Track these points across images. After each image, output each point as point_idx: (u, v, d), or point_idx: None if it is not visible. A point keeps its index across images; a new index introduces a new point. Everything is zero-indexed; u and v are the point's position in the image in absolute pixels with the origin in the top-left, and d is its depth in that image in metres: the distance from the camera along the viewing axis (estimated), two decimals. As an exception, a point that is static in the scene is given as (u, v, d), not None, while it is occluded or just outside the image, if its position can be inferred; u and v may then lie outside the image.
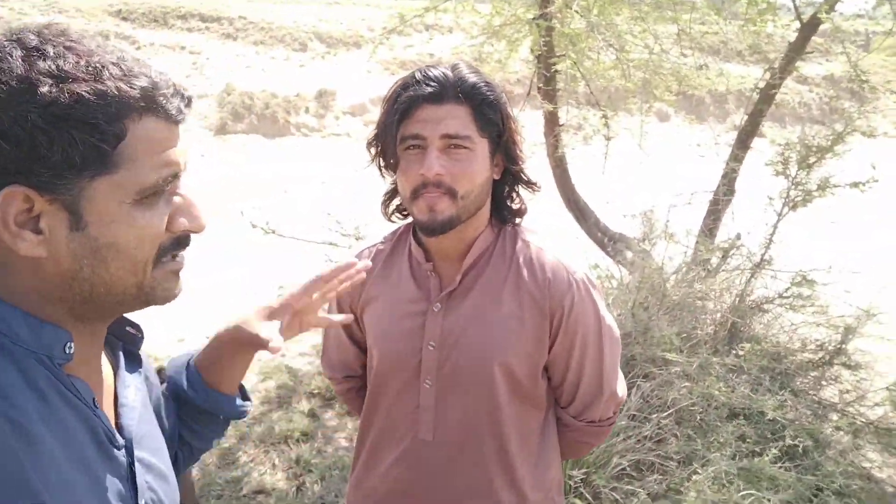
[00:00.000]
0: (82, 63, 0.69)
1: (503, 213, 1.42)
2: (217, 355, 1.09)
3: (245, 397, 1.17)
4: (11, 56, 0.67)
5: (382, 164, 1.36)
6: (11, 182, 0.67)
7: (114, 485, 0.78)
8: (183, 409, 1.11)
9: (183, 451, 1.14)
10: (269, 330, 1.05)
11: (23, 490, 0.66)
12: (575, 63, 4.00)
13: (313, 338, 4.79)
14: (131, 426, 0.84)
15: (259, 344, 1.04)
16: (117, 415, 0.85)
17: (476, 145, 1.27)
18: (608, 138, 4.16)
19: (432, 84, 1.25)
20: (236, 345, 1.07)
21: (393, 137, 1.28)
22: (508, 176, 1.39)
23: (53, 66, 0.67)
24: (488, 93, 1.28)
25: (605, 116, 4.16)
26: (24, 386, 0.71)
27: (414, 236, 1.43)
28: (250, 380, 4.27)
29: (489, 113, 1.28)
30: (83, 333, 0.79)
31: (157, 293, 0.80)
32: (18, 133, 0.66)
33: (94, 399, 0.78)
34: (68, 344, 0.76)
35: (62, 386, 0.75)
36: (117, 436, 0.81)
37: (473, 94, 1.27)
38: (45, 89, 0.66)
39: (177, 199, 0.79)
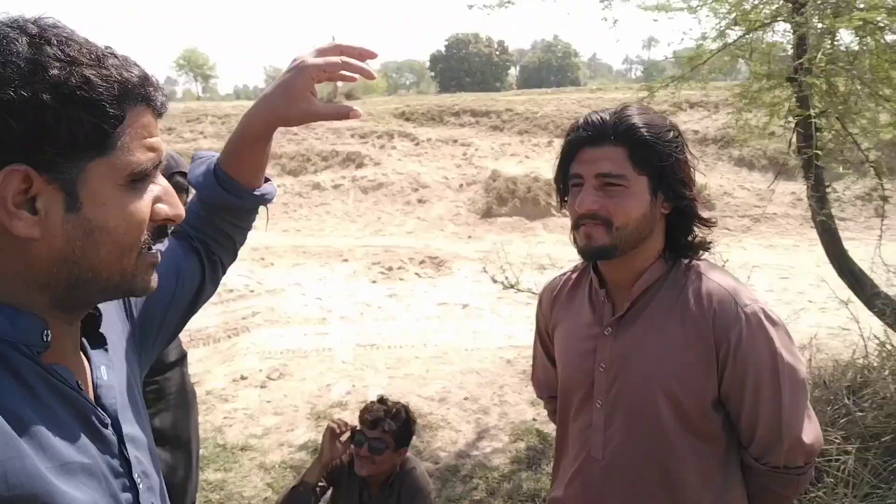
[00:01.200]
0: (84, 50, 0.72)
1: (678, 247, 1.46)
2: (244, 146, 1.11)
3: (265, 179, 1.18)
4: (18, 41, 0.69)
5: (559, 199, 1.52)
6: (13, 161, 0.69)
7: (108, 463, 0.80)
8: (216, 214, 1.16)
9: (214, 257, 1.18)
10: (328, 107, 1.08)
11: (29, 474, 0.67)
12: (839, 119, 3.74)
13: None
14: (113, 404, 0.85)
15: (333, 115, 1.07)
16: (97, 396, 0.84)
17: (631, 182, 1.35)
18: (885, 199, 3.77)
19: (589, 129, 1.39)
20: (268, 129, 1.08)
21: (563, 177, 1.45)
22: (678, 212, 1.43)
23: (60, 52, 0.70)
24: (646, 134, 1.36)
25: (879, 175, 3.79)
26: (8, 376, 0.72)
27: (594, 265, 1.53)
28: (502, 439, 4.44)
29: (645, 152, 1.36)
30: (60, 321, 0.79)
31: (137, 283, 0.82)
32: (28, 111, 0.68)
33: (78, 382, 0.79)
34: (45, 332, 0.76)
35: (45, 373, 0.75)
36: (104, 415, 0.82)
37: (629, 136, 1.35)
38: (55, 71, 0.69)
39: (156, 187, 0.81)
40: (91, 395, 0.83)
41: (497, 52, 64.55)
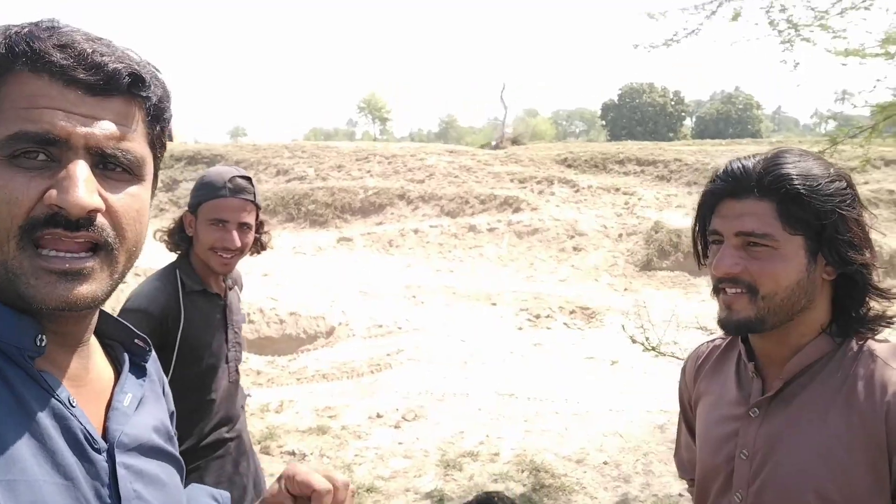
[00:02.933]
0: None
1: (847, 321, 1.23)
2: None
3: None
4: None
5: (698, 256, 1.37)
6: None
7: (94, 488, 0.73)
8: None
9: None
10: None
11: None
12: None
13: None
14: (117, 430, 0.79)
15: None
16: (107, 418, 0.80)
17: (781, 243, 1.17)
18: None
19: (730, 178, 1.21)
20: None
21: (702, 231, 1.30)
22: (844, 279, 1.21)
23: None
24: (800, 186, 1.15)
25: None
26: None
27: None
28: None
29: (796, 209, 1.16)
30: (50, 330, 0.74)
31: (24, 286, 0.70)
32: None
33: (69, 397, 0.74)
34: (39, 336, 0.72)
35: (32, 381, 0.71)
36: (98, 438, 0.76)
37: (777, 188, 1.16)
38: None
39: (60, 172, 0.70)
40: (102, 416, 0.80)
41: (672, 102, 62.80)
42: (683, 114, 65.96)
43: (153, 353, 0.92)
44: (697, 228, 1.33)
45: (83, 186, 0.69)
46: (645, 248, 12.54)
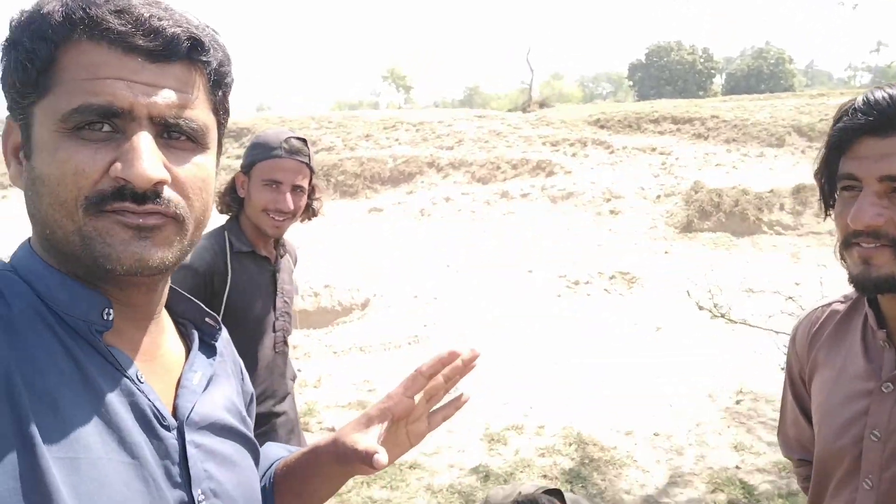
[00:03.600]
0: None
1: None
2: (310, 471, 0.98)
3: None
4: None
5: (822, 204, 1.18)
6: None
7: (164, 467, 0.72)
8: None
9: None
10: (367, 441, 0.89)
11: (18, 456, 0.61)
12: None
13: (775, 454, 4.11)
14: (186, 406, 0.78)
15: (358, 458, 0.88)
16: (177, 396, 0.79)
17: None
18: None
19: (872, 112, 1.02)
20: (333, 462, 0.93)
21: (829, 176, 1.11)
22: None
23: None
24: None
25: None
26: (60, 353, 0.67)
27: (869, 297, 1.18)
28: (698, 487, 3.83)
29: None
30: (120, 302, 0.74)
31: (99, 248, 0.68)
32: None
33: (137, 373, 0.73)
34: (106, 310, 0.72)
35: (99, 356, 0.71)
36: (167, 415, 0.75)
37: None
38: (14, 15, 0.69)
39: (124, 143, 0.68)
40: (171, 394, 0.79)
41: (701, 60, 61.15)
42: (713, 71, 64.29)
43: (224, 332, 0.92)
44: (822, 172, 1.14)
45: (148, 158, 0.68)
46: (685, 209, 12.17)
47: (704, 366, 5.78)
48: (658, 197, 12.94)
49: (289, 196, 2.02)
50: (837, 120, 1.09)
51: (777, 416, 1.49)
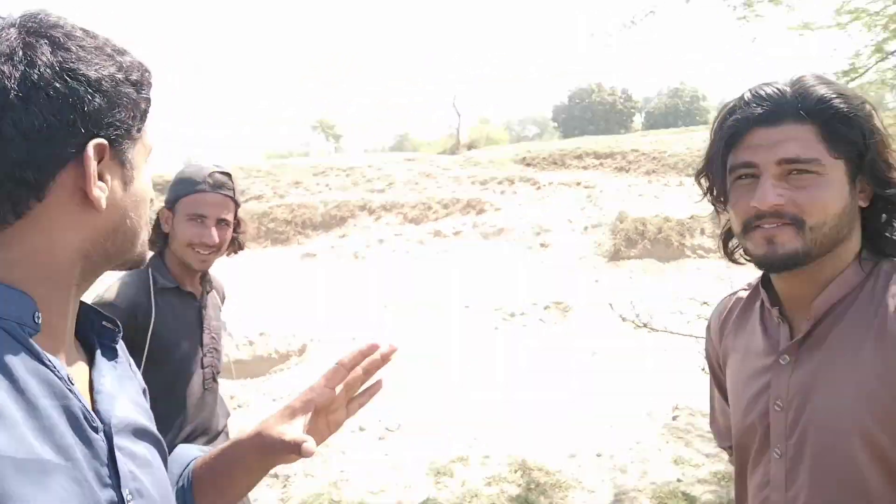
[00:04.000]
0: (111, 41, 0.79)
1: (880, 248, 1.15)
2: (232, 465, 1.00)
3: None
4: (74, 30, 0.75)
5: (712, 199, 1.24)
6: (97, 135, 0.74)
7: (94, 468, 0.73)
8: None
9: None
10: (294, 431, 0.95)
11: None
12: None
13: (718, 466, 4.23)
14: (108, 411, 0.79)
15: (286, 448, 0.93)
16: (93, 401, 0.80)
17: (827, 168, 1.07)
18: None
19: (764, 103, 1.10)
20: (257, 453, 0.97)
21: (721, 168, 1.16)
22: (882, 202, 1.13)
23: (106, 41, 0.78)
24: (841, 105, 1.07)
25: None
26: None
27: (763, 278, 1.25)
28: (642, 502, 3.90)
29: (843, 129, 1.07)
30: (58, 304, 0.77)
31: (145, 255, 0.87)
32: (108, 88, 0.74)
33: (68, 376, 0.74)
34: (36, 313, 0.73)
35: (33, 358, 0.71)
36: (95, 417, 0.76)
37: (820, 109, 1.07)
38: (121, 58, 0.77)
39: None
40: (87, 399, 0.79)
41: (621, 100, 63.61)
42: (633, 110, 66.93)
43: (122, 332, 0.92)
44: (712, 167, 1.19)
45: None
46: (612, 239, 12.54)
47: (641, 386, 5.91)
48: (585, 228, 13.30)
49: (214, 230, 2.01)
50: (726, 117, 1.16)
51: None
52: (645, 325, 3.47)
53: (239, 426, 5.41)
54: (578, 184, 15.61)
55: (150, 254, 0.90)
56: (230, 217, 2.06)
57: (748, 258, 1.21)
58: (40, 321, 0.74)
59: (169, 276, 2.05)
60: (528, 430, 5.07)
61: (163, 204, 2.08)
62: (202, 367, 2.09)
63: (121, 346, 0.92)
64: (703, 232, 12.57)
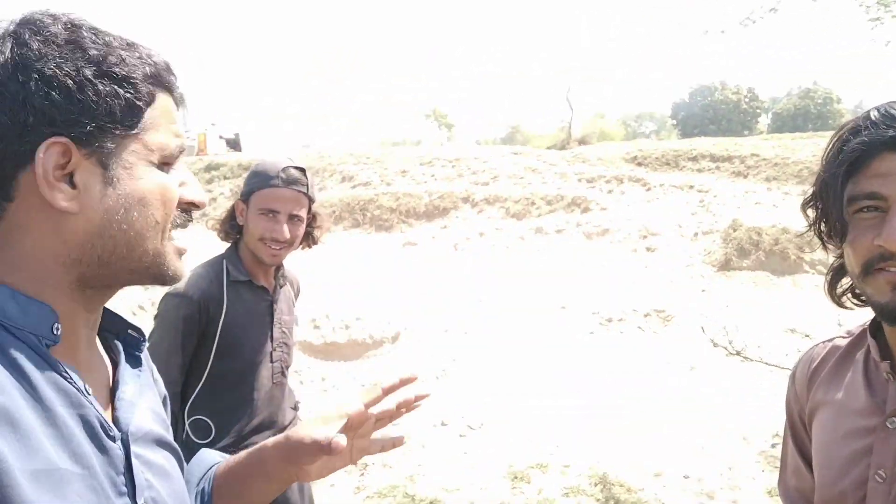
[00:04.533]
0: (116, 36, 0.76)
1: None
2: (254, 472, 1.00)
3: None
4: (54, 24, 0.72)
5: (824, 230, 1.08)
6: (54, 133, 0.70)
7: (110, 477, 0.74)
8: None
9: None
10: (325, 431, 0.95)
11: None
12: None
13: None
14: (127, 419, 0.80)
15: (315, 447, 0.94)
16: (114, 408, 0.81)
17: None
18: None
19: (893, 125, 0.95)
20: (280, 460, 0.98)
21: (838, 197, 1.00)
22: None
23: (94, 35, 0.74)
24: None
25: None
26: (9, 366, 0.67)
27: (871, 326, 1.09)
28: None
29: None
30: (75, 315, 0.77)
31: (166, 267, 0.81)
32: (69, 84, 0.70)
33: (84, 386, 0.75)
34: (55, 325, 0.73)
35: (50, 369, 0.72)
36: (112, 426, 0.77)
37: None
38: (94, 51, 0.73)
39: (180, 174, 0.83)
40: (107, 406, 0.81)
41: (746, 99, 60.66)
42: (758, 110, 63.62)
43: (147, 342, 0.94)
44: (829, 196, 1.04)
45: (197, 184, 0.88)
46: (723, 248, 11.92)
47: (739, 407, 5.58)
48: (695, 234, 12.72)
49: (285, 226, 2.02)
50: (847, 139, 1.01)
51: None
52: (738, 353, 3.24)
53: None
54: (691, 187, 14.95)
55: (183, 273, 0.85)
56: (303, 213, 2.07)
57: (861, 303, 1.07)
58: (59, 332, 0.74)
59: (243, 268, 2.08)
60: (614, 443, 4.90)
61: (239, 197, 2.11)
62: (271, 362, 2.12)
63: (145, 355, 0.94)
64: (825, 247, 11.73)
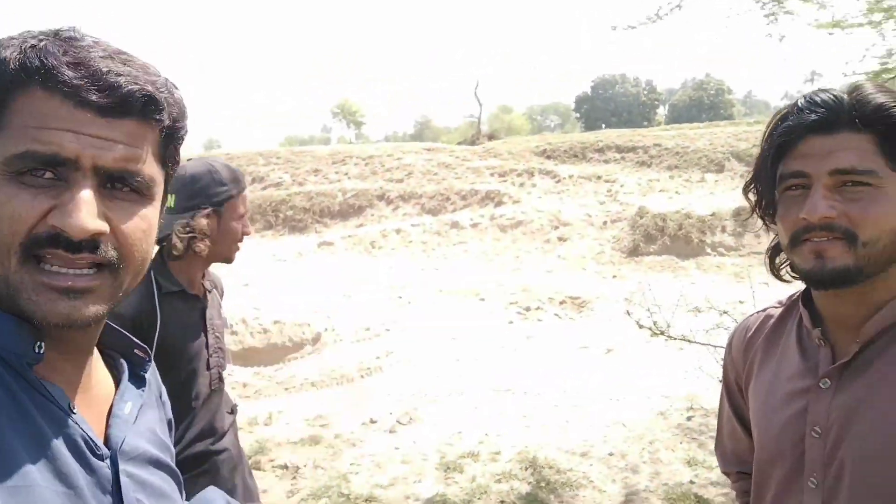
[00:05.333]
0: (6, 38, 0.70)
1: None
2: None
3: None
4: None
5: (760, 213, 1.18)
6: None
7: (96, 497, 0.72)
8: None
9: None
10: None
11: None
12: None
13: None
14: (118, 437, 0.78)
15: None
16: (109, 426, 0.79)
17: (883, 181, 1.01)
18: None
19: (818, 110, 1.04)
20: None
21: (770, 178, 1.11)
22: None
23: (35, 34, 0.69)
24: None
25: None
26: None
27: (803, 296, 1.18)
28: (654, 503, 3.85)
29: None
30: (52, 337, 0.72)
31: (24, 302, 0.68)
32: None
33: (69, 404, 0.74)
34: (38, 343, 0.71)
35: (33, 389, 0.70)
36: (100, 444, 0.75)
37: (879, 119, 1.01)
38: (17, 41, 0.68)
39: (66, 194, 0.68)
40: (103, 424, 0.79)
41: (645, 92, 63.16)
42: (657, 102, 66.34)
43: (153, 362, 0.93)
44: (760, 177, 1.14)
45: (85, 210, 0.67)
46: (631, 234, 12.41)
47: (655, 385, 5.85)
48: (604, 223, 13.18)
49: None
50: (777, 124, 1.10)
51: None
52: (662, 333, 3.40)
53: (249, 415, 5.43)
54: (599, 178, 15.47)
55: (64, 316, 0.72)
56: None
57: (794, 274, 1.15)
58: (42, 351, 0.71)
59: (173, 278, 2.00)
60: (540, 428, 5.03)
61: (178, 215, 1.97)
62: (208, 369, 2.07)
63: (152, 375, 0.93)
64: (724, 229, 12.41)
